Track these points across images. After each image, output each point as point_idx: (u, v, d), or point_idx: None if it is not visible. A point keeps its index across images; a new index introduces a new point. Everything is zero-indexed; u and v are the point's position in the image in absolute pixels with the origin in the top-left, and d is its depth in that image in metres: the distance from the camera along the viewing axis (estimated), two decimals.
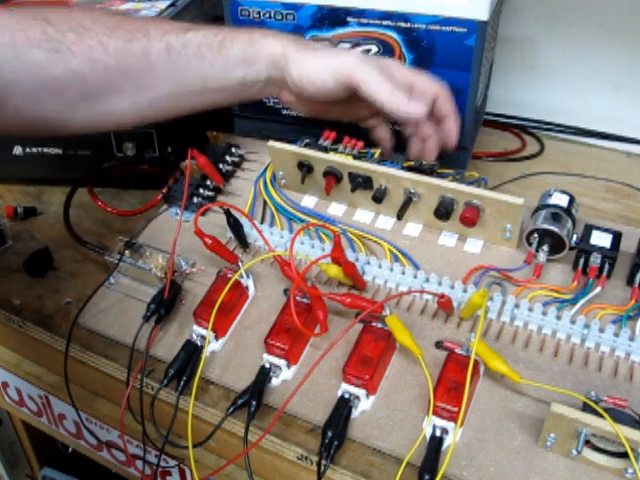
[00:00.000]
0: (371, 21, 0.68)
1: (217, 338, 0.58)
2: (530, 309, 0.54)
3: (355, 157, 0.65)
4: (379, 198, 0.61)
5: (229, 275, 0.59)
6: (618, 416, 0.44)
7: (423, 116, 0.61)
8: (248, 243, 0.65)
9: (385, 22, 0.67)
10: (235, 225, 0.63)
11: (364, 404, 0.52)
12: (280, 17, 0.70)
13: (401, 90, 0.60)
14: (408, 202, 0.61)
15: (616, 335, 0.51)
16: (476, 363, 0.50)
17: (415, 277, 0.58)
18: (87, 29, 0.57)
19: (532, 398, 0.50)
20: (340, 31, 0.69)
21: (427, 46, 0.67)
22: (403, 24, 0.67)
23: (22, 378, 0.78)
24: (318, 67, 0.61)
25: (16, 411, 0.89)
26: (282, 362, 0.54)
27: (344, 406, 0.51)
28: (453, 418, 0.48)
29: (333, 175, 0.63)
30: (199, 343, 0.57)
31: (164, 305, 0.59)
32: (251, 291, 0.61)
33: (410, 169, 0.62)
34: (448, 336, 0.55)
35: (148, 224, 0.70)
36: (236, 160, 0.73)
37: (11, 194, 0.83)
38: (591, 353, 0.52)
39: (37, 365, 0.74)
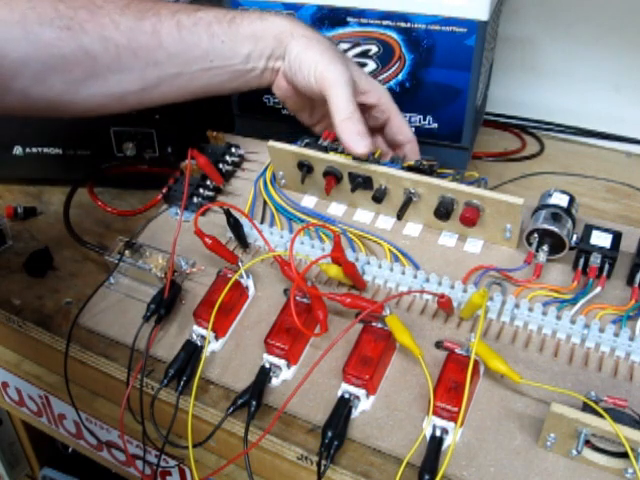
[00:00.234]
0: (371, 21, 0.68)
1: (217, 338, 0.58)
2: (530, 309, 0.54)
3: (355, 157, 0.65)
4: (379, 198, 0.61)
5: (229, 275, 0.59)
6: (618, 416, 0.44)
7: (363, 155, 0.61)
8: (248, 243, 0.65)
9: (385, 22, 0.67)
10: (235, 225, 0.63)
11: (364, 404, 0.52)
12: None
13: (359, 122, 0.60)
14: (408, 202, 0.61)
15: (616, 335, 0.51)
16: (476, 363, 0.50)
17: (415, 277, 0.58)
18: (99, 7, 0.57)
19: (532, 398, 0.50)
20: (340, 31, 0.69)
21: (427, 46, 0.67)
22: (403, 24, 0.67)
23: (22, 378, 0.78)
24: (314, 57, 0.60)
25: (16, 411, 0.89)
26: (282, 362, 0.54)
27: (344, 406, 0.51)
28: (453, 418, 0.48)
29: (333, 175, 0.63)
30: (199, 343, 0.57)
31: (164, 305, 0.59)
32: (251, 291, 0.61)
33: (410, 169, 0.62)
34: (448, 336, 0.55)
35: (148, 224, 0.70)
36: (236, 160, 0.73)
37: (11, 194, 0.83)
38: (591, 353, 0.52)
39: (37, 365, 0.74)
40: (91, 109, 0.61)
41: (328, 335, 0.55)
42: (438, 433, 0.48)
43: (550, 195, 0.59)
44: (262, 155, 0.73)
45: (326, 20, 0.69)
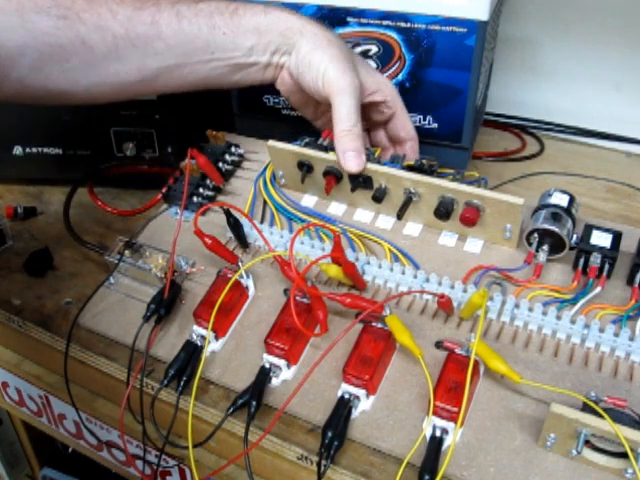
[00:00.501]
0: (371, 21, 0.68)
1: (217, 338, 0.58)
2: (530, 309, 0.54)
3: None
4: (379, 198, 0.61)
5: (229, 275, 0.59)
6: (618, 416, 0.44)
7: (355, 172, 0.61)
8: (248, 243, 0.65)
9: (385, 22, 0.67)
10: (235, 225, 0.63)
11: (364, 404, 0.52)
12: None
13: (358, 137, 0.60)
14: (408, 202, 0.61)
15: (616, 335, 0.51)
16: (476, 363, 0.50)
17: (415, 277, 0.58)
18: None
19: (532, 398, 0.50)
20: (340, 31, 0.69)
21: (427, 46, 0.67)
22: (403, 24, 0.67)
23: (22, 378, 0.78)
24: (323, 61, 0.59)
25: (16, 411, 0.89)
26: (282, 362, 0.54)
27: (344, 406, 0.51)
28: (453, 418, 0.48)
29: (333, 175, 0.63)
30: (199, 343, 0.57)
31: (164, 305, 0.59)
32: (251, 291, 0.61)
33: (410, 169, 0.62)
34: (448, 336, 0.55)
35: (148, 224, 0.70)
36: (236, 159, 0.73)
37: (11, 194, 0.83)
38: (591, 353, 0.52)
39: (37, 365, 0.74)
40: (92, 98, 0.61)
41: (328, 335, 0.55)
42: (438, 433, 0.48)
43: (550, 195, 0.59)
44: (262, 155, 0.73)
45: (326, 20, 0.69)
